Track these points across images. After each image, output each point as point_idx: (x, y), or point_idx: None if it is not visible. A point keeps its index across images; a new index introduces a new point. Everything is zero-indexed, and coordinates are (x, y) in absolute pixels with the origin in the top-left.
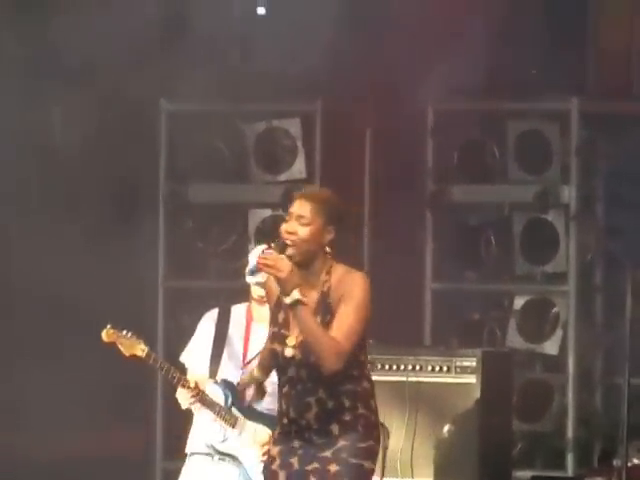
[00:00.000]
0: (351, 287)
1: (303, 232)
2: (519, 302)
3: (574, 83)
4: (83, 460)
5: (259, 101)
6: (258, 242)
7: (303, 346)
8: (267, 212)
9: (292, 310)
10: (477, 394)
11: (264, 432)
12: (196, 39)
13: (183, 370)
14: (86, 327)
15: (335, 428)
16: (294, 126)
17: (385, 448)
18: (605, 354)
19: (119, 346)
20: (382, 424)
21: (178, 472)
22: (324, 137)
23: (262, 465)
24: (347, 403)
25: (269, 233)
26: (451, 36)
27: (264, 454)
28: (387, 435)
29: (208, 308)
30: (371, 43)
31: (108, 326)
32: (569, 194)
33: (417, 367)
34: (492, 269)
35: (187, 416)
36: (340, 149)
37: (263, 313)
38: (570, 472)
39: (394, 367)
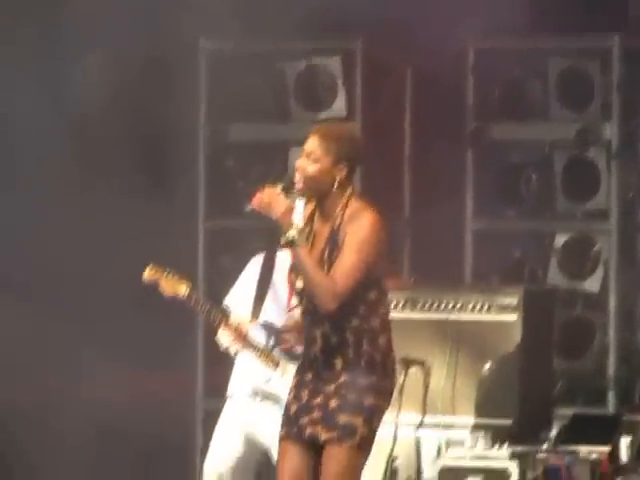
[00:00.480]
0: (358, 225)
1: (311, 168)
2: (560, 240)
3: (615, 19)
4: (128, 400)
5: (299, 39)
6: None
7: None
8: None
9: (290, 249)
10: (518, 332)
11: None
12: None
13: (224, 312)
14: (127, 269)
15: (338, 362)
16: (335, 64)
17: (426, 386)
18: None
19: (161, 285)
20: (423, 362)
21: (219, 413)
22: (364, 75)
23: None
24: (350, 339)
25: None
26: None
27: None
28: (428, 373)
29: (248, 249)
30: None
31: (150, 264)
32: (610, 131)
33: (458, 305)
34: (533, 207)
35: (228, 358)
36: (381, 87)
37: None
38: (611, 410)
39: (435, 306)
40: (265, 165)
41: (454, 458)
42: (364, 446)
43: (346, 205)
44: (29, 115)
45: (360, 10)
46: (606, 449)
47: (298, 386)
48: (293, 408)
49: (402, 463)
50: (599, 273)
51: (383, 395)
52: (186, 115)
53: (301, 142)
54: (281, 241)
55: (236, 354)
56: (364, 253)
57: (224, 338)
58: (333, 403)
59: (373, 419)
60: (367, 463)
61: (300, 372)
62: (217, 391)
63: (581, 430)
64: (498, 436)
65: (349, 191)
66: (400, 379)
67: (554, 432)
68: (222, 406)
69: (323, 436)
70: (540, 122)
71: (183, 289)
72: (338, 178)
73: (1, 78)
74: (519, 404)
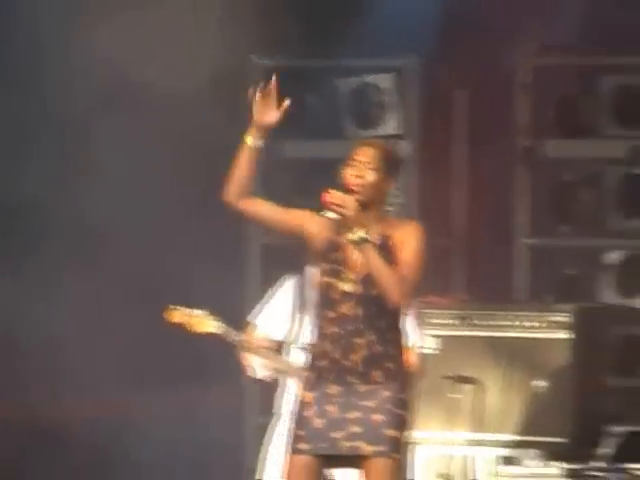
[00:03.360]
0: (410, 235)
1: (371, 176)
2: (614, 257)
3: None
4: (180, 412)
5: (354, 57)
6: None
7: (365, 282)
8: None
9: (358, 248)
10: (572, 350)
11: None
12: None
13: (255, 341)
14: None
15: (378, 375)
16: (388, 82)
17: (480, 404)
18: None
19: (190, 326)
20: (477, 380)
21: (266, 429)
22: (419, 93)
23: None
24: (391, 351)
25: None
26: None
27: None
28: (482, 391)
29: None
30: None
31: (171, 307)
32: None
33: (512, 323)
34: (586, 224)
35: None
36: (435, 106)
37: None
38: None
39: (489, 323)
40: (321, 181)
41: (509, 476)
42: (403, 458)
43: (383, 219)
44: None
45: (415, 28)
46: None
47: (319, 401)
48: (318, 422)
49: None
50: None
51: (411, 406)
52: (240, 131)
53: None
54: (351, 239)
55: (271, 380)
56: (419, 262)
57: (258, 368)
58: (378, 417)
59: (406, 431)
60: None
61: (319, 386)
62: (265, 408)
63: (635, 448)
64: (552, 454)
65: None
66: (454, 397)
67: (608, 450)
68: (269, 422)
69: (368, 451)
70: (593, 140)
71: (216, 324)
72: (387, 190)
73: None
74: (573, 422)
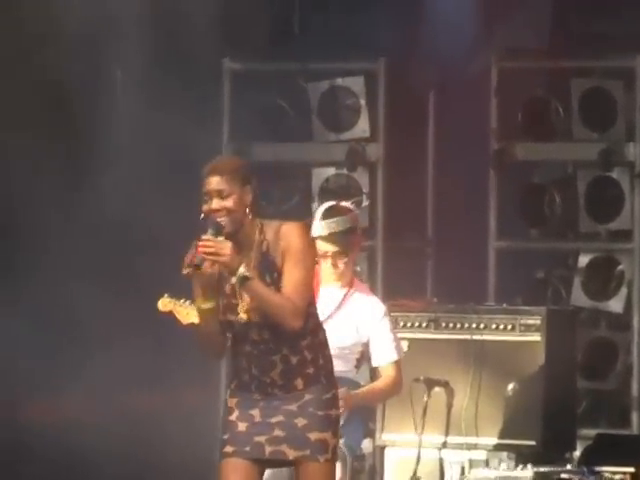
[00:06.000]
0: (289, 239)
1: (228, 203)
2: (584, 260)
3: (638, 40)
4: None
5: (323, 60)
6: (321, 201)
7: (258, 310)
8: (331, 171)
9: (242, 287)
10: (542, 352)
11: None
12: None
13: None
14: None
15: (299, 383)
16: (358, 85)
17: (449, 406)
18: None
19: (176, 315)
20: (446, 383)
21: None
22: (387, 96)
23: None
24: (309, 356)
25: (333, 192)
26: None
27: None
28: (452, 394)
29: None
30: (433, 1)
31: (165, 295)
32: (634, 151)
33: (481, 325)
34: (556, 227)
35: None
36: (403, 108)
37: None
38: (635, 430)
39: (458, 325)
40: (288, 185)
41: (478, 479)
42: (334, 457)
43: (261, 228)
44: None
45: (383, 31)
46: (630, 469)
47: (242, 406)
48: (242, 426)
49: None
50: (623, 293)
51: (337, 403)
52: (209, 134)
53: (324, 162)
54: (233, 281)
55: None
56: (307, 264)
57: None
58: (301, 422)
59: (337, 429)
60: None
61: (241, 392)
62: None
63: (605, 450)
64: (522, 457)
65: (257, 213)
66: (423, 400)
67: (578, 453)
68: None
69: (292, 455)
70: (563, 142)
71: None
72: (249, 202)
73: None
74: (542, 424)
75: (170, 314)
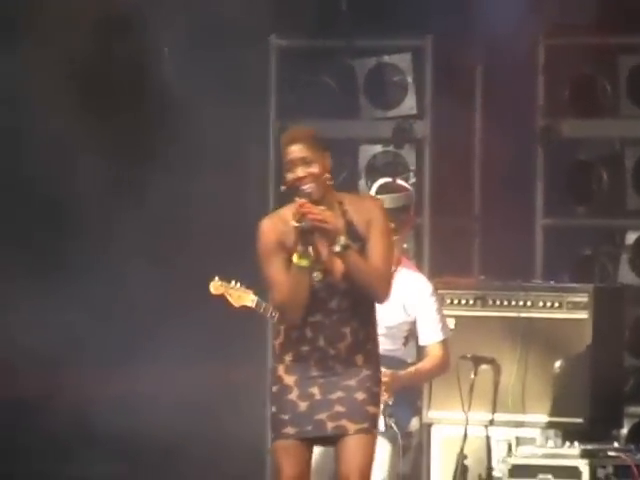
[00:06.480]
0: (375, 212)
1: (314, 169)
2: (631, 237)
3: None
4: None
5: (370, 37)
6: (368, 178)
7: (350, 278)
8: (378, 148)
9: (340, 256)
10: (589, 330)
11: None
12: None
13: None
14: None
15: (359, 359)
16: (405, 62)
17: (496, 384)
18: None
19: (228, 297)
20: (493, 360)
21: None
22: (435, 73)
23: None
24: (372, 333)
25: (379, 169)
26: None
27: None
28: (498, 371)
29: None
30: None
31: (216, 278)
32: None
33: (528, 303)
34: (603, 204)
35: None
36: (451, 85)
37: None
38: None
39: (505, 303)
40: (335, 162)
41: (524, 456)
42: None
43: (339, 197)
44: None
45: (430, 8)
46: None
47: (300, 384)
48: (303, 406)
49: (472, 461)
50: None
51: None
52: (257, 112)
53: (371, 140)
54: (336, 250)
55: None
56: (389, 237)
57: None
58: (360, 396)
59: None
60: (438, 462)
61: (299, 369)
62: None
63: None
64: (569, 434)
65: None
66: (470, 377)
67: (625, 430)
68: None
69: (352, 429)
70: (611, 119)
71: (250, 298)
72: (329, 168)
73: None
74: (590, 402)
75: (222, 297)
